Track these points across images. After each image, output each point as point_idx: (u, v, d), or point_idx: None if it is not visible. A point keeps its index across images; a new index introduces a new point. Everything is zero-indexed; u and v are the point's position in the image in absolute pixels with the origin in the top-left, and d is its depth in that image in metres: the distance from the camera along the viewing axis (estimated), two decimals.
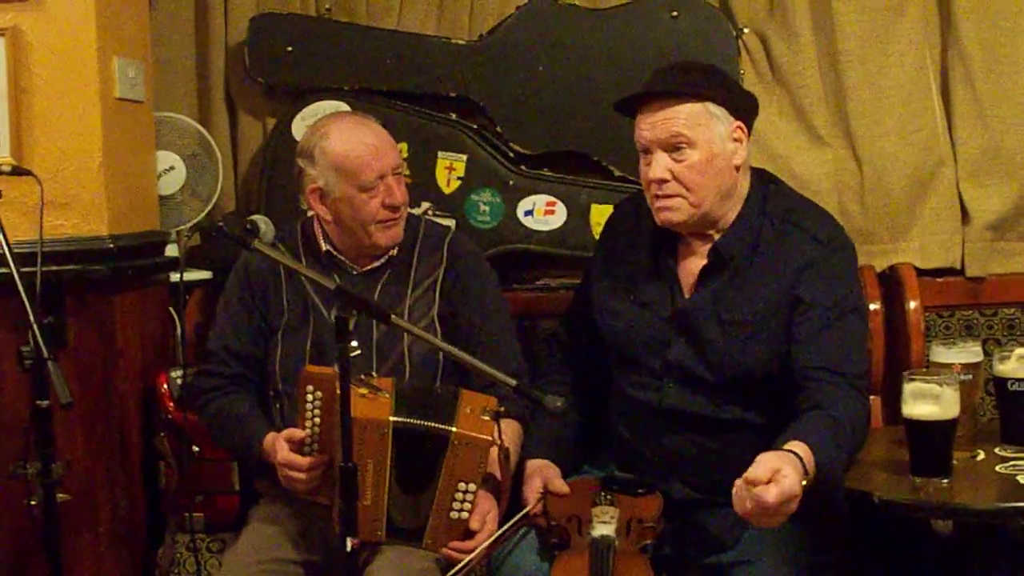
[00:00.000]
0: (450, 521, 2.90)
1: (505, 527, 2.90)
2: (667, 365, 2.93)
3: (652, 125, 2.85)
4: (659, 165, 2.85)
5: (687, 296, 2.94)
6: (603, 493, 2.92)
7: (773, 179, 3.04)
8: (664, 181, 2.85)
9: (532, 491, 2.96)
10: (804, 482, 2.46)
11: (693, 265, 2.95)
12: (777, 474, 2.41)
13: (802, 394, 2.74)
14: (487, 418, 2.88)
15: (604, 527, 2.78)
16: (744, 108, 2.92)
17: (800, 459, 2.49)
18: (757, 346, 2.85)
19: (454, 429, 2.85)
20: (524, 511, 2.92)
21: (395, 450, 2.85)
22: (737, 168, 2.89)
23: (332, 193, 3.13)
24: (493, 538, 2.89)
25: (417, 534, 2.91)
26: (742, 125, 2.89)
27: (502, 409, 2.92)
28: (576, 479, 3.04)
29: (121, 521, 3.49)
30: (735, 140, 2.87)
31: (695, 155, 2.83)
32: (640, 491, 2.92)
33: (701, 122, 2.83)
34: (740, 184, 2.93)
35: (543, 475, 2.99)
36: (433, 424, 2.86)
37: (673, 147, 2.83)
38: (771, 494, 2.39)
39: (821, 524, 2.77)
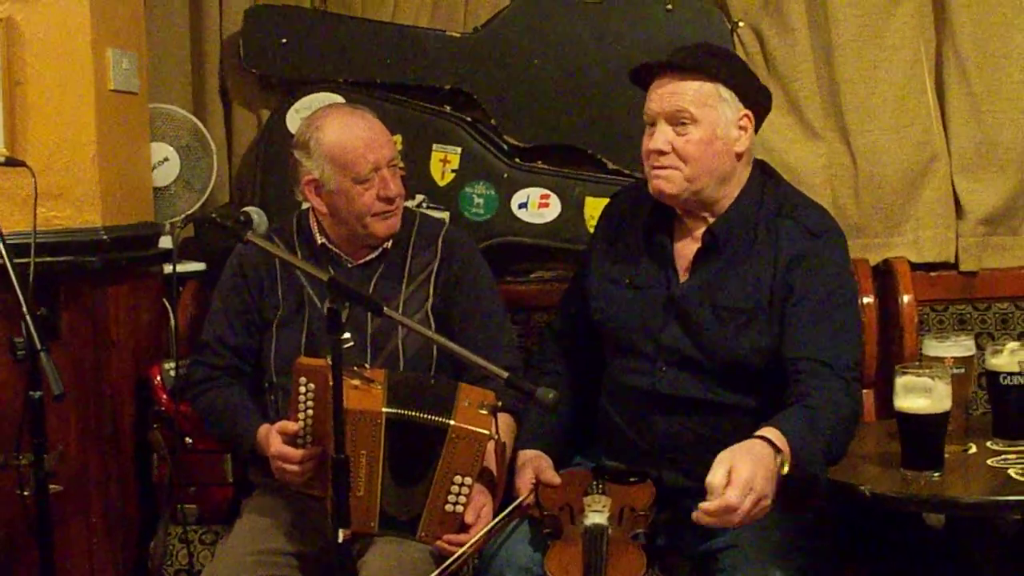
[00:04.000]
0: (445, 514, 2.90)
1: (498, 518, 2.91)
2: (661, 348, 2.94)
3: (660, 97, 2.90)
4: (661, 136, 2.89)
5: (682, 280, 2.96)
6: (595, 482, 2.93)
7: (772, 172, 3.06)
8: (663, 153, 2.89)
9: (524, 482, 2.97)
10: (784, 466, 2.51)
11: (688, 249, 2.97)
12: (730, 474, 2.46)
13: (791, 387, 2.75)
14: (485, 412, 2.88)
15: (596, 516, 2.79)
16: (756, 99, 2.96)
17: (769, 441, 2.53)
18: (750, 333, 2.87)
19: (452, 422, 2.85)
20: (516, 502, 2.93)
21: (388, 441, 2.85)
22: (739, 156, 2.92)
23: (327, 185, 3.13)
24: (486, 529, 2.90)
25: (411, 525, 2.91)
26: (750, 115, 2.92)
27: (500, 403, 2.93)
28: (568, 470, 3.04)
29: (114, 512, 3.48)
30: (740, 128, 2.91)
31: (697, 133, 2.87)
32: (632, 479, 2.93)
33: (708, 103, 2.87)
34: (740, 172, 2.95)
35: (535, 466, 2.99)
36: (430, 417, 2.86)
37: (677, 121, 2.88)
38: (733, 495, 2.44)
39: (808, 511, 2.80)
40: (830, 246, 2.90)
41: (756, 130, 2.97)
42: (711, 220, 2.95)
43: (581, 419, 3.17)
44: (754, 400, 2.89)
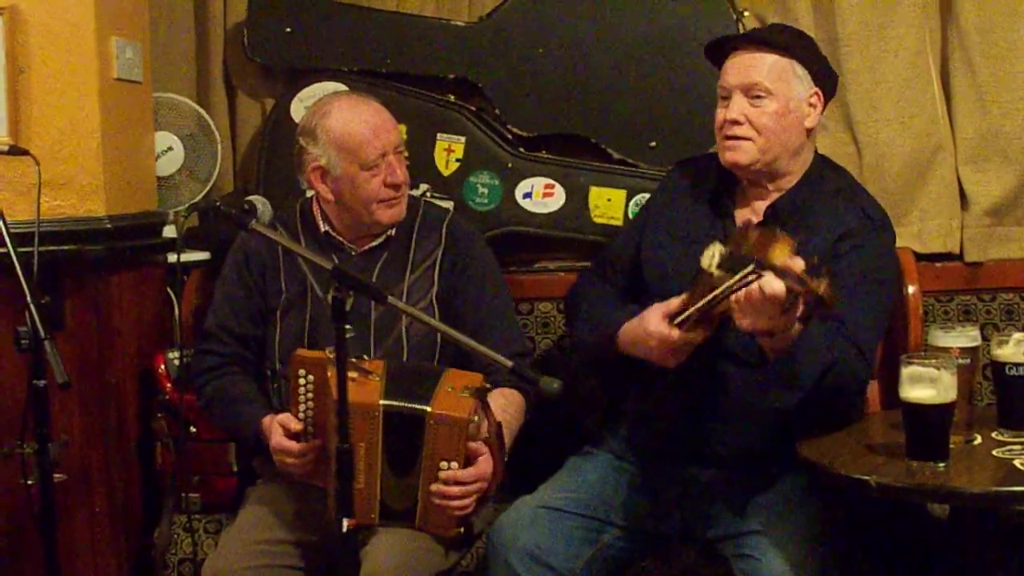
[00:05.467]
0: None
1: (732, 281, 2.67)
2: None
3: (737, 69, 2.99)
4: (736, 108, 2.97)
5: None
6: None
7: (828, 159, 3.19)
8: (738, 123, 2.96)
9: (662, 332, 2.82)
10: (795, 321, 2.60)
11: (747, 217, 3.03)
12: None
13: None
14: (466, 395, 2.87)
15: (711, 253, 2.69)
16: (826, 80, 3.06)
17: None
18: None
19: (428, 409, 2.85)
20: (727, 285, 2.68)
21: (385, 433, 2.85)
22: (808, 132, 3.02)
23: (333, 171, 3.13)
24: (721, 289, 2.69)
25: (409, 515, 2.91)
26: (820, 93, 3.02)
27: (488, 386, 2.92)
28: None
29: (118, 501, 3.49)
30: (810, 105, 3.01)
31: (772, 105, 2.96)
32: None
33: (784, 77, 2.97)
34: (807, 148, 3.06)
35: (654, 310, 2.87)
36: (412, 405, 2.86)
37: (752, 94, 2.97)
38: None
39: (824, 503, 2.86)
40: (881, 232, 3.02)
41: (822, 111, 3.06)
42: (774, 195, 3.03)
43: None
44: None
